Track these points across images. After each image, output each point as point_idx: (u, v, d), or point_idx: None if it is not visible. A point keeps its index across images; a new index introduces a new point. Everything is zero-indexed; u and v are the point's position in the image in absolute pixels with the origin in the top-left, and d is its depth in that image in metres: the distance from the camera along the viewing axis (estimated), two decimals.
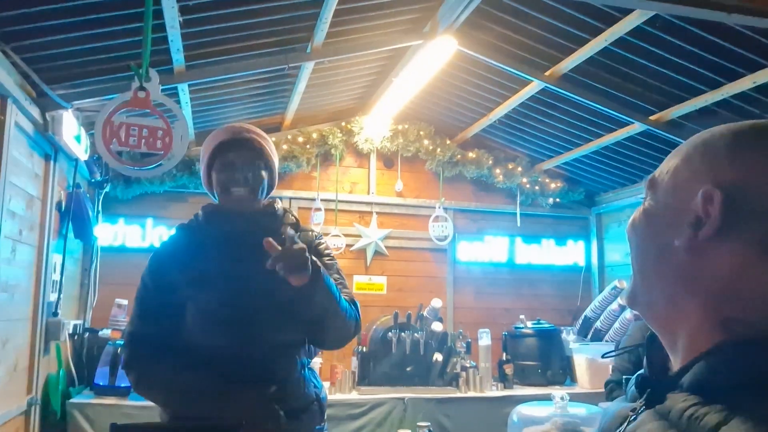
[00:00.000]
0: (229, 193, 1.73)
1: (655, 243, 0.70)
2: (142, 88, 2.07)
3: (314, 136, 4.39)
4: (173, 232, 1.87)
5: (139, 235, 4.07)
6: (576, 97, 3.47)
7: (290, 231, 1.63)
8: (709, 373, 0.60)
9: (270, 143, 1.83)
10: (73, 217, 3.32)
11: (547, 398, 3.73)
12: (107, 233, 3.97)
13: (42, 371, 3.04)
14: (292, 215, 1.89)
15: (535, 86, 3.52)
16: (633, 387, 0.74)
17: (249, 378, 1.63)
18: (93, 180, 3.76)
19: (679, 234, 0.66)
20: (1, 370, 2.51)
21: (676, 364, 0.68)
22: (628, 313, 4.09)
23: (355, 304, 1.84)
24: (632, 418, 0.68)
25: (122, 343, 1.77)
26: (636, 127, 3.66)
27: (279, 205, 1.86)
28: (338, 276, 1.85)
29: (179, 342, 1.68)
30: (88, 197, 3.54)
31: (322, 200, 4.39)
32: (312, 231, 1.90)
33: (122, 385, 3.33)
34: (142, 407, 3.22)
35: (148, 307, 1.72)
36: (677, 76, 3.10)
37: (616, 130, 3.85)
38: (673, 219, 0.68)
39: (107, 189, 3.87)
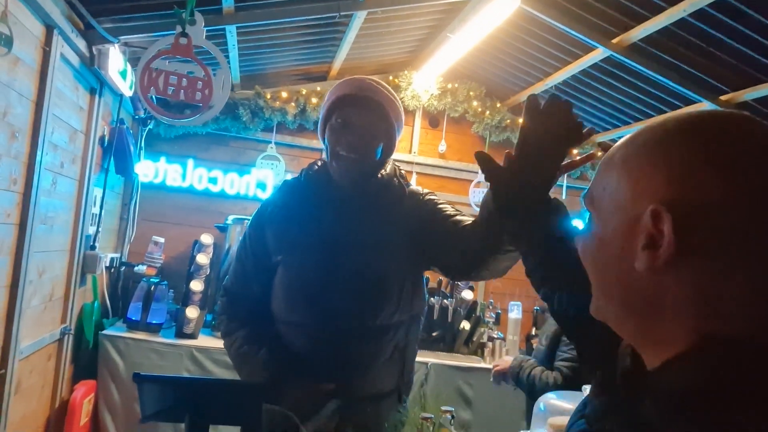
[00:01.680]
0: (338, 156, 1.57)
1: (613, 268, 0.65)
2: (184, 34, 1.98)
3: None
4: (278, 186, 1.78)
5: (180, 174, 4.07)
6: (642, 68, 3.25)
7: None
8: (687, 376, 0.58)
9: (396, 105, 1.63)
10: (116, 152, 3.32)
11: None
12: (148, 170, 3.98)
13: (77, 302, 3.10)
14: (399, 179, 1.68)
15: (599, 53, 3.31)
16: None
17: (319, 365, 1.55)
18: (137, 116, 3.75)
19: (637, 257, 0.61)
20: (37, 299, 2.56)
21: (648, 360, 0.64)
22: None
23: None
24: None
25: (221, 289, 1.79)
26: (704, 107, 3.43)
27: (388, 170, 1.66)
28: (448, 210, 1.65)
29: (266, 309, 1.64)
30: (131, 133, 3.54)
31: None
32: (420, 193, 1.69)
33: (154, 321, 3.39)
34: (171, 345, 3.29)
35: (243, 268, 1.69)
36: (757, 55, 2.86)
37: (681, 107, 3.62)
38: (625, 242, 0.63)
39: (150, 126, 3.86)
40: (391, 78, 4.31)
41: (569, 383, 2.14)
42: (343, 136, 1.56)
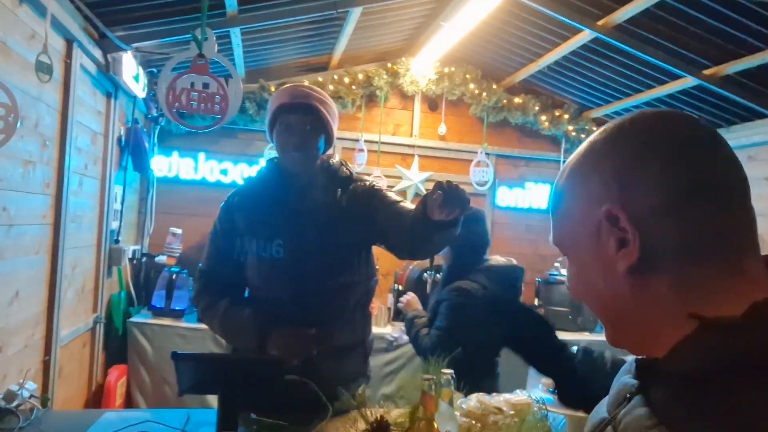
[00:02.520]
0: (286, 154, 1.85)
1: (603, 285, 0.67)
2: (201, 55, 2.19)
3: (360, 77, 4.43)
4: (242, 182, 2.06)
5: (192, 167, 4.27)
6: (629, 48, 3.40)
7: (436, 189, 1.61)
8: (691, 358, 0.59)
9: (329, 105, 1.90)
10: (132, 150, 3.51)
11: (574, 344, 3.87)
12: (162, 165, 4.19)
13: (106, 293, 3.33)
14: (347, 168, 1.97)
15: (586, 35, 3.46)
16: (632, 367, 0.74)
17: (297, 319, 1.81)
18: (149, 115, 3.94)
19: (617, 262, 0.63)
20: (71, 292, 2.78)
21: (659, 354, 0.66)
22: None
23: None
24: (627, 398, 0.68)
25: (196, 273, 2.00)
26: (689, 81, 3.57)
27: (334, 160, 1.96)
28: (393, 198, 1.93)
29: (241, 282, 1.91)
30: (144, 131, 3.73)
31: (365, 141, 4.48)
32: (365, 180, 1.98)
33: (177, 307, 3.62)
34: (194, 329, 3.52)
35: (216, 249, 1.93)
36: (735, 32, 3.01)
37: (668, 82, 3.76)
38: (600, 257, 0.65)
39: (162, 123, 4.05)
40: (389, 65, 4.46)
41: (438, 350, 2.20)
42: (288, 139, 1.83)
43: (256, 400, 1.90)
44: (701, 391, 0.56)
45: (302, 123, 1.83)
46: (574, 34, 3.56)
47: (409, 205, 1.87)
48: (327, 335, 1.83)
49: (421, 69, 4.44)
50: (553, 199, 0.72)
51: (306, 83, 4.29)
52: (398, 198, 1.92)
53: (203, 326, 3.55)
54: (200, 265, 1.97)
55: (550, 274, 4.37)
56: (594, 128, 4.67)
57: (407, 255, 1.94)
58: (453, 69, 4.51)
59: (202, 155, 4.30)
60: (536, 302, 4.27)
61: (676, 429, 0.56)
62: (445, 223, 1.63)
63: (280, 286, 1.85)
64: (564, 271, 4.34)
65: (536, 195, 4.74)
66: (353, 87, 4.39)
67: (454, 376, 1.69)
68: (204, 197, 4.30)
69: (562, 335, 4.10)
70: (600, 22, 3.31)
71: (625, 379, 0.74)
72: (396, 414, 1.77)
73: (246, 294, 1.97)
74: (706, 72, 3.46)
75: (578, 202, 0.67)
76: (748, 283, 0.60)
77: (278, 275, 1.84)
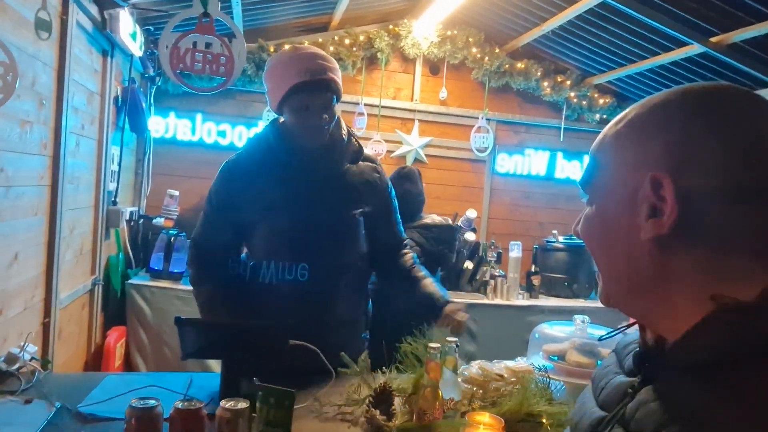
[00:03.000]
0: (304, 132, 1.77)
1: (620, 244, 0.66)
2: (206, 14, 2.12)
3: (361, 38, 4.34)
4: (243, 144, 1.99)
5: (189, 129, 4.22)
6: (635, 13, 3.33)
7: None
8: (703, 347, 0.58)
9: (338, 71, 1.80)
10: (129, 110, 3.45)
11: (570, 310, 3.90)
12: (159, 126, 4.12)
13: (104, 255, 3.31)
14: (356, 141, 1.93)
15: None
16: (630, 361, 0.73)
17: (301, 291, 1.81)
18: (146, 75, 3.85)
19: (642, 228, 0.62)
20: (70, 254, 2.76)
21: (668, 334, 0.65)
22: None
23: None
24: (631, 394, 0.67)
25: (191, 241, 1.99)
26: (695, 48, 3.52)
27: (344, 131, 1.89)
28: (395, 218, 2.01)
29: (234, 253, 1.87)
30: (141, 91, 3.66)
31: (365, 105, 4.41)
32: (374, 162, 1.96)
33: (175, 270, 3.61)
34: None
35: (213, 218, 1.88)
36: None
37: (673, 49, 3.71)
38: (628, 216, 0.64)
39: (159, 83, 3.97)
40: (391, 27, 4.37)
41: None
42: (306, 119, 1.75)
43: (259, 366, 1.91)
44: (721, 378, 0.55)
45: (323, 103, 1.74)
46: None
47: (401, 235, 2.00)
48: (325, 315, 1.86)
49: (424, 31, 4.35)
50: (602, 141, 0.69)
51: (306, 44, 4.21)
52: (397, 223, 2.00)
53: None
54: (194, 232, 1.94)
55: (547, 241, 4.37)
56: (596, 95, 4.63)
57: (379, 277, 2.03)
58: (455, 32, 4.42)
59: (199, 116, 4.23)
60: (533, 268, 4.28)
61: (699, 420, 0.55)
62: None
63: (285, 260, 1.81)
64: (562, 239, 4.35)
65: (536, 162, 4.72)
66: (354, 49, 4.31)
67: (458, 343, 1.70)
68: (201, 159, 4.26)
69: (558, 301, 4.15)
70: None
71: (616, 378, 0.74)
72: (399, 380, 1.78)
73: (244, 257, 1.93)
74: (713, 39, 3.40)
75: (630, 156, 0.65)
76: (765, 268, 0.59)
77: (284, 249, 1.81)
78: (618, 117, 0.69)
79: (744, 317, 0.56)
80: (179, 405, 1.31)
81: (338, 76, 1.81)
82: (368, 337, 2.06)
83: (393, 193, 2.01)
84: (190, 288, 3.44)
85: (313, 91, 1.72)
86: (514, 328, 3.86)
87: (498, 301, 3.98)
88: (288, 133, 1.84)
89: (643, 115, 0.65)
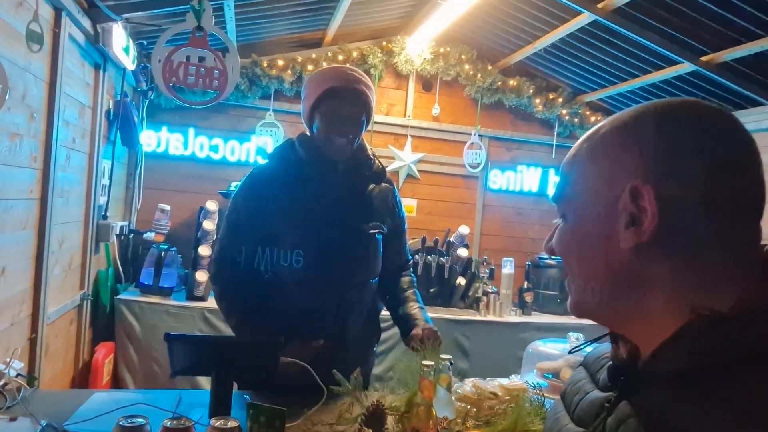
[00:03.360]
0: (331, 141, 1.79)
1: (599, 255, 0.66)
2: (199, 27, 2.11)
3: (354, 54, 4.36)
4: (265, 158, 2.07)
5: (181, 143, 4.20)
6: (626, 32, 3.36)
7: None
8: (680, 357, 0.58)
9: (372, 89, 1.86)
10: (121, 124, 3.43)
11: (563, 327, 3.89)
12: (151, 140, 4.11)
13: (93, 269, 3.27)
14: (379, 163, 1.98)
15: (585, 18, 3.41)
16: (605, 375, 0.74)
17: (314, 312, 1.82)
18: (139, 88, 3.84)
19: (622, 238, 0.63)
20: (58, 268, 2.73)
21: (642, 345, 0.66)
22: None
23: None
24: (608, 408, 0.67)
25: (212, 256, 2.00)
26: (686, 67, 3.55)
27: (369, 151, 1.94)
28: (404, 239, 2.06)
29: (262, 267, 1.85)
30: (133, 105, 3.64)
31: None
32: (391, 184, 2.00)
33: (165, 285, 3.57)
34: (183, 307, 3.48)
35: (237, 230, 1.86)
36: (734, 18, 2.98)
37: (664, 68, 3.74)
38: (607, 226, 0.64)
39: (152, 97, 3.96)
40: (384, 43, 4.40)
41: None
42: (335, 125, 1.78)
43: (250, 383, 1.89)
44: (701, 389, 0.56)
45: (352, 110, 1.78)
46: (573, 17, 3.52)
47: (407, 256, 2.08)
48: (343, 333, 1.88)
49: (417, 48, 4.38)
50: (576, 155, 0.70)
51: (300, 60, 4.22)
52: (406, 239, 2.06)
53: (192, 304, 3.52)
54: (216, 246, 1.93)
55: (540, 258, 4.37)
56: (587, 112, 4.66)
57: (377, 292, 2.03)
58: (448, 49, 4.45)
59: (191, 131, 4.22)
60: (525, 285, 4.27)
61: (685, 431, 0.55)
62: None
63: (302, 276, 1.81)
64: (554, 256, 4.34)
65: (528, 178, 4.73)
66: (347, 64, 4.31)
67: (452, 361, 1.68)
68: (193, 173, 4.24)
69: (550, 318, 4.13)
70: (599, 5, 3.27)
71: (590, 393, 0.74)
72: (391, 398, 1.75)
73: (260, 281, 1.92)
74: (704, 58, 3.43)
75: (606, 168, 0.65)
76: (743, 281, 0.60)
77: (311, 267, 1.81)
78: (589, 132, 0.70)
79: (719, 327, 0.57)
80: (168, 423, 1.28)
81: (371, 95, 1.85)
82: (374, 358, 2.09)
83: (404, 214, 2.05)
84: (181, 303, 3.47)
85: (344, 98, 1.76)
86: (507, 344, 3.84)
87: (490, 317, 3.96)
88: (312, 147, 1.85)
89: (617, 129, 0.66)
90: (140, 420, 1.26)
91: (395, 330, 3.62)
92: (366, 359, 1.96)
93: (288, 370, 1.74)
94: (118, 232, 3.69)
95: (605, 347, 0.80)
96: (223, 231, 1.91)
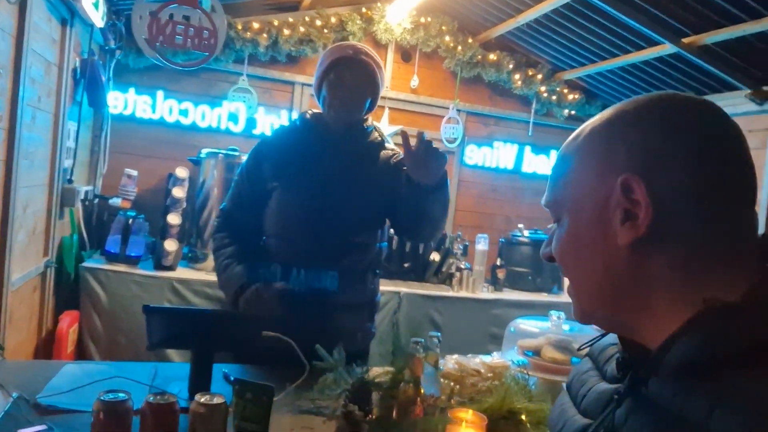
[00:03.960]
0: (333, 107, 1.85)
1: (597, 255, 0.65)
2: None
3: (333, 20, 4.23)
4: (276, 128, 2.13)
5: (150, 106, 4.03)
6: (613, 10, 3.33)
7: (424, 134, 1.77)
8: (692, 349, 0.57)
9: (382, 69, 1.94)
10: (88, 84, 3.27)
11: (534, 304, 3.93)
12: (117, 102, 3.93)
13: (57, 235, 3.14)
14: (380, 134, 2.02)
15: None
16: (613, 367, 0.72)
17: (311, 272, 1.85)
18: (107, 47, 3.66)
19: (618, 235, 0.62)
20: (22, 234, 2.60)
21: (651, 341, 0.64)
22: None
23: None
24: (617, 400, 0.66)
25: (219, 211, 2.07)
26: (667, 48, 3.55)
27: (370, 122, 2.00)
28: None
29: (258, 228, 1.93)
30: (100, 64, 3.47)
31: None
32: (396, 151, 2.00)
33: (132, 254, 3.46)
34: (151, 276, 3.38)
35: (239, 192, 1.97)
36: (720, 0, 2.98)
37: (645, 48, 3.74)
38: (602, 225, 0.64)
39: (119, 56, 3.78)
40: (364, 10, 4.28)
41: None
42: (339, 91, 1.85)
43: (231, 356, 1.85)
44: (713, 382, 0.54)
45: (357, 79, 1.85)
46: None
47: None
48: (331, 297, 1.87)
49: (397, 17, 4.27)
50: (563, 158, 0.70)
51: (277, 23, 4.08)
52: None
53: (161, 274, 3.42)
54: (223, 203, 2.02)
55: (513, 235, 4.39)
56: (565, 90, 4.65)
57: (410, 233, 2.05)
58: (429, 19, 4.36)
59: (160, 93, 4.05)
60: (498, 261, 4.29)
61: (697, 426, 0.54)
62: (430, 186, 1.75)
63: (299, 239, 1.87)
64: (527, 233, 4.37)
65: (504, 155, 4.72)
66: (325, 30, 4.20)
67: (440, 339, 1.66)
68: (162, 138, 4.10)
69: (522, 295, 4.17)
70: None
71: (598, 385, 0.73)
72: (375, 373, 1.73)
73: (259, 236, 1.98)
74: (685, 40, 3.44)
75: (594, 166, 0.65)
76: (745, 269, 0.60)
77: (299, 228, 1.87)
78: (574, 133, 0.69)
79: (731, 317, 0.56)
80: (151, 399, 1.23)
81: (378, 71, 1.91)
82: (375, 330, 2.06)
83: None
84: (148, 273, 3.36)
85: (351, 67, 1.83)
86: (479, 321, 3.87)
87: (463, 293, 3.97)
88: (317, 121, 1.93)
89: (601, 126, 0.66)
90: (122, 395, 1.20)
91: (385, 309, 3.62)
92: (358, 328, 1.96)
93: (269, 343, 1.70)
94: (82, 197, 3.54)
95: (611, 337, 0.79)
96: (230, 191, 2.01)
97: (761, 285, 0.58)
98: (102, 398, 1.17)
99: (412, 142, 1.72)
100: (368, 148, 1.95)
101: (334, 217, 1.86)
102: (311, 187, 1.87)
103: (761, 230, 0.65)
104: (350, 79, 1.84)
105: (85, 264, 3.34)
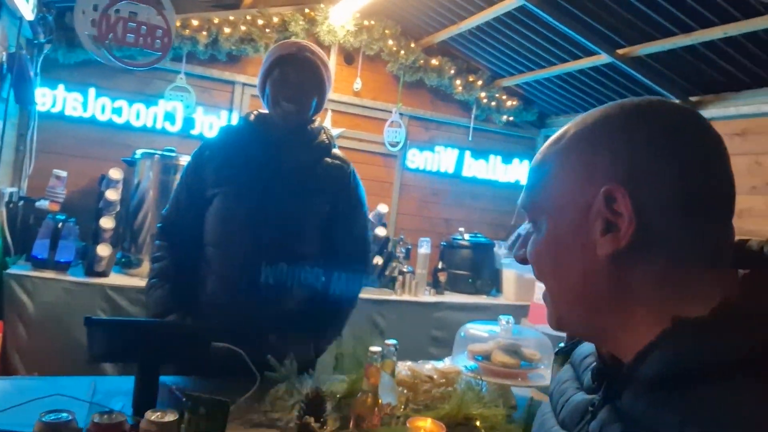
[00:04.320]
0: (278, 105, 1.80)
1: (575, 263, 0.64)
2: None
3: (275, 20, 4.16)
4: (217, 132, 1.99)
5: (81, 103, 3.83)
6: (552, 19, 3.42)
7: None
8: (665, 362, 0.57)
9: (328, 67, 1.90)
10: (15, 79, 3.07)
11: (475, 307, 3.99)
12: (46, 99, 3.71)
13: None
14: (328, 136, 1.95)
15: (514, 2, 3.43)
16: (588, 378, 0.72)
17: (251, 285, 1.77)
18: (36, 41, 3.45)
19: (598, 245, 0.61)
20: None
21: (625, 353, 0.63)
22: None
23: (368, 269, 2.10)
24: (591, 413, 0.66)
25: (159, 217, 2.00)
26: (603, 58, 3.68)
27: (318, 123, 1.95)
28: (364, 228, 2.01)
29: (199, 234, 1.85)
30: (28, 59, 3.26)
31: None
32: (346, 164, 1.95)
33: (62, 260, 3.27)
34: (82, 283, 3.20)
35: (179, 198, 1.90)
36: (653, 14, 3.11)
37: (582, 58, 3.87)
38: (582, 233, 0.62)
39: (47, 51, 3.57)
40: (306, 11, 4.23)
41: None
42: (283, 89, 1.79)
43: (173, 369, 1.78)
44: (684, 396, 0.54)
45: (301, 77, 1.80)
46: (500, 0, 3.54)
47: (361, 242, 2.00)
48: (273, 312, 1.83)
49: (340, 19, 4.24)
50: (543, 160, 0.68)
51: (217, 21, 3.96)
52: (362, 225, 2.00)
53: (93, 280, 3.25)
54: (165, 208, 1.95)
55: (454, 239, 4.44)
56: (504, 97, 4.75)
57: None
58: (373, 22, 4.35)
59: (92, 91, 3.85)
60: (440, 265, 4.32)
61: None
62: None
63: (240, 249, 1.79)
64: (467, 236, 4.43)
65: (445, 159, 4.76)
66: (267, 30, 4.11)
67: (396, 347, 1.64)
68: (93, 138, 3.90)
69: (462, 297, 4.21)
70: None
71: (575, 395, 0.73)
72: (329, 383, 1.70)
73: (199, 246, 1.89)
74: (620, 51, 3.57)
75: (576, 171, 0.63)
76: (722, 282, 0.59)
77: (241, 237, 1.79)
78: (556, 135, 0.67)
79: (700, 332, 0.56)
80: (96, 419, 1.15)
81: (327, 74, 1.86)
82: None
83: (363, 198, 2.01)
84: (79, 279, 3.19)
85: (295, 65, 1.79)
86: (421, 324, 3.89)
87: (406, 297, 3.98)
88: (261, 124, 1.86)
89: (584, 130, 0.64)
90: (65, 414, 1.13)
91: None
92: (303, 342, 1.89)
93: (219, 354, 1.64)
94: (6, 200, 3.32)
95: (591, 345, 0.78)
96: (171, 197, 1.95)
97: (732, 299, 0.57)
98: (44, 419, 1.10)
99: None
100: (315, 151, 1.89)
101: (279, 225, 1.81)
102: (254, 193, 1.80)
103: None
104: (295, 78, 1.79)
105: (10, 271, 3.13)
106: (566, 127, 0.67)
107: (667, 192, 0.59)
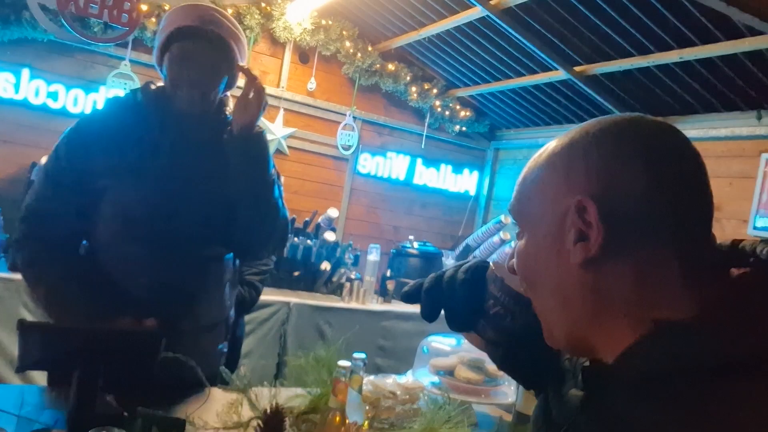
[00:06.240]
0: (179, 89, 1.54)
1: (552, 272, 0.67)
2: None
3: (230, 11, 3.98)
4: (103, 104, 1.67)
5: (12, 85, 3.54)
6: (513, 32, 3.43)
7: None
8: (646, 364, 0.59)
9: (241, 38, 1.61)
10: None
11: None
12: None
13: None
14: (228, 107, 1.69)
15: (477, 12, 3.42)
16: (579, 374, 0.74)
17: (154, 289, 1.54)
18: None
19: (571, 253, 0.64)
20: None
21: (607, 358, 0.65)
22: (507, 248, 4.34)
23: (284, 212, 1.73)
24: (579, 408, 0.69)
25: (23, 211, 1.57)
26: (560, 74, 3.71)
27: (229, 105, 1.67)
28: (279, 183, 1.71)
29: (80, 230, 1.57)
30: None
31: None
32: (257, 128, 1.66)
33: None
34: (6, 279, 2.95)
35: (60, 185, 1.54)
36: (612, 33, 3.15)
37: (538, 73, 3.90)
38: (558, 242, 0.65)
39: None
40: (263, 5, 4.08)
41: None
42: (184, 70, 1.53)
43: (121, 380, 1.61)
44: (663, 397, 0.57)
45: (206, 56, 1.52)
46: (464, 10, 3.52)
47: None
48: (181, 318, 1.59)
49: (297, 16, 4.12)
50: (527, 173, 0.71)
51: (167, 7, 3.76)
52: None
53: (17, 276, 2.98)
54: (27, 201, 1.56)
55: (403, 246, 4.38)
56: (458, 107, 4.75)
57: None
58: (330, 22, 4.24)
59: (26, 72, 3.56)
60: (388, 273, 4.25)
61: None
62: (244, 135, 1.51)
63: (139, 249, 1.53)
64: (416, 245, 4.38)
65: (396, 165, 4.70)
66: None
67: (365, 361, 1.55)
68: (24, 123, 3.62)
69: (409, 307, 4.12)
70: (493, 2, 3.29)
71: (572, 389, 0.75)
72: (285, 397, 1.58)
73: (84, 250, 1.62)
74: (577, 68, 3.62)
75: (554, 184, 0.66)
76: (702, 287, 0.61)
77: (145, 237, 1.53)
78: (541, 150, 0.71)
79: (679, 335, 0.58)
80: None
81: (238, 46, 1.60)
82: (225, 350, 1.81)
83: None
84: (3, 275, 2.91)
85: (199, 42, 1.51)
86: (368, 333, 3.79)
87: (353, 304, 3.88)
88: (160, 97, 1.59)
89: (565, 145, 0.67)
90: None
91: (257, 314, 3.42)
92: (210, 354, 1.69)
93: (166, 364, 1.49)
94: None
95: None
96: (39, 183, 1.58)
97: (712, 305, 0.59)
98: None
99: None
100: (221, 130, 1.58)
101: (189, 222, 1.56)
102: (152, 186, 1.53)
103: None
104: (198, 56, 1.51)
105: None
106: (550, 142, 0.70)
107: (638, 204, 0.61)
